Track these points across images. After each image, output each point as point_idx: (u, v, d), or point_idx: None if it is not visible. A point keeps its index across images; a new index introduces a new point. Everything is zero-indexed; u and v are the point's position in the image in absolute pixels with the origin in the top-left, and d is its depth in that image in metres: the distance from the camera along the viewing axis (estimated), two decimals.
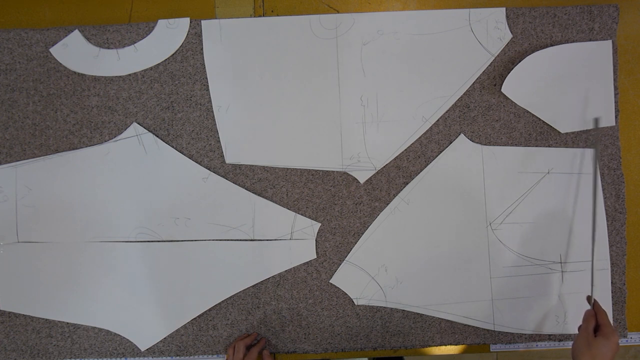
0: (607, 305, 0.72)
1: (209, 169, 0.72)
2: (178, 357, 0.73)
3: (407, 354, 0.75)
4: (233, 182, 0.71)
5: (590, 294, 0.66)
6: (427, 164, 0.72)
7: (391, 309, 0.72)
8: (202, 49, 0.71)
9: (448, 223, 0.72)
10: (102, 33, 0.71)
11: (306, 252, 0.72)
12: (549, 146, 0.72)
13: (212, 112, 0.71)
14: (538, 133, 0.72)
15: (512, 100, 0.71)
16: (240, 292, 0.72)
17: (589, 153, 0.71)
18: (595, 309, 0.63)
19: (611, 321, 0.72)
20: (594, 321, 0.61)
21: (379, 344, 0.73)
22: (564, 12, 0.71)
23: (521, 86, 0.70)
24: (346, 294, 0.72)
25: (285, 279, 0.72)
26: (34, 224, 0.71)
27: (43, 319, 0.72)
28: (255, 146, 0.71)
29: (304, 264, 0.72)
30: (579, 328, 0.62)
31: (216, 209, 0.71)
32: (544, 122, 0.71)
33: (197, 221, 0.72)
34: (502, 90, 0.70)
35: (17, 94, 0.71)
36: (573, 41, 0.71)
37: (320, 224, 0.72)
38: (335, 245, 0.72)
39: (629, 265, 0.73)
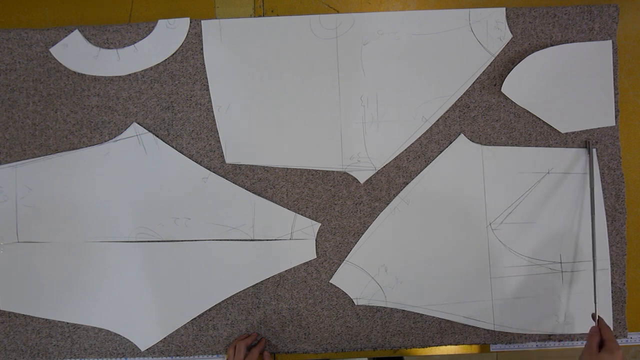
0: (607, 305, 0.72)
1: (209, 169, 0.71)
2: (178, 357, 0.73)
3: (407, 354, 0.75)
4: (233, 182, 0.71)
5: (594, 311, 0.66)
6: (427, 164, 0.72)
7: (391, 309, 0.72)
8: (202, 49, 0.71)
9: (448, 223, 0.72)
10: (102, 33, 0.71)
11: (306, 252, 0.72)
12: (549, 146, 0.72)
13: (212, 112, 0.71)
14: (538, 133, 0.72)
15: (512, 100, 0.71)
16: (240, 292, 0.72)
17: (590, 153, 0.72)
18: (599, 326, 0.64)
19: (611, 322, 0.72)
20: (598, 337, 0.62)
21: (379, 344, 0.73)
22: (564, 12, 0.71)
23: (521, 86, 0.70)
24: (346, 294, 0.72)
25: (285, 279, 0.72)
26: (34, 224, 0.71)
27: (43, 319, 0.72)
28: (255, 146, 0.71)
29: (304, 264, 0.72)
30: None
31: (216, 209, 0.71)
32: (544, 122, 0.71)
33: (197, 221, 0.71)
34: (502, 90, 0.70)
35: (17, 94, 0.71)
36: (573, 41, 0.71)
37: (320, 224, 0.72)
38: (335, 245, 0.72)
39: (629, 265, 0.73)
